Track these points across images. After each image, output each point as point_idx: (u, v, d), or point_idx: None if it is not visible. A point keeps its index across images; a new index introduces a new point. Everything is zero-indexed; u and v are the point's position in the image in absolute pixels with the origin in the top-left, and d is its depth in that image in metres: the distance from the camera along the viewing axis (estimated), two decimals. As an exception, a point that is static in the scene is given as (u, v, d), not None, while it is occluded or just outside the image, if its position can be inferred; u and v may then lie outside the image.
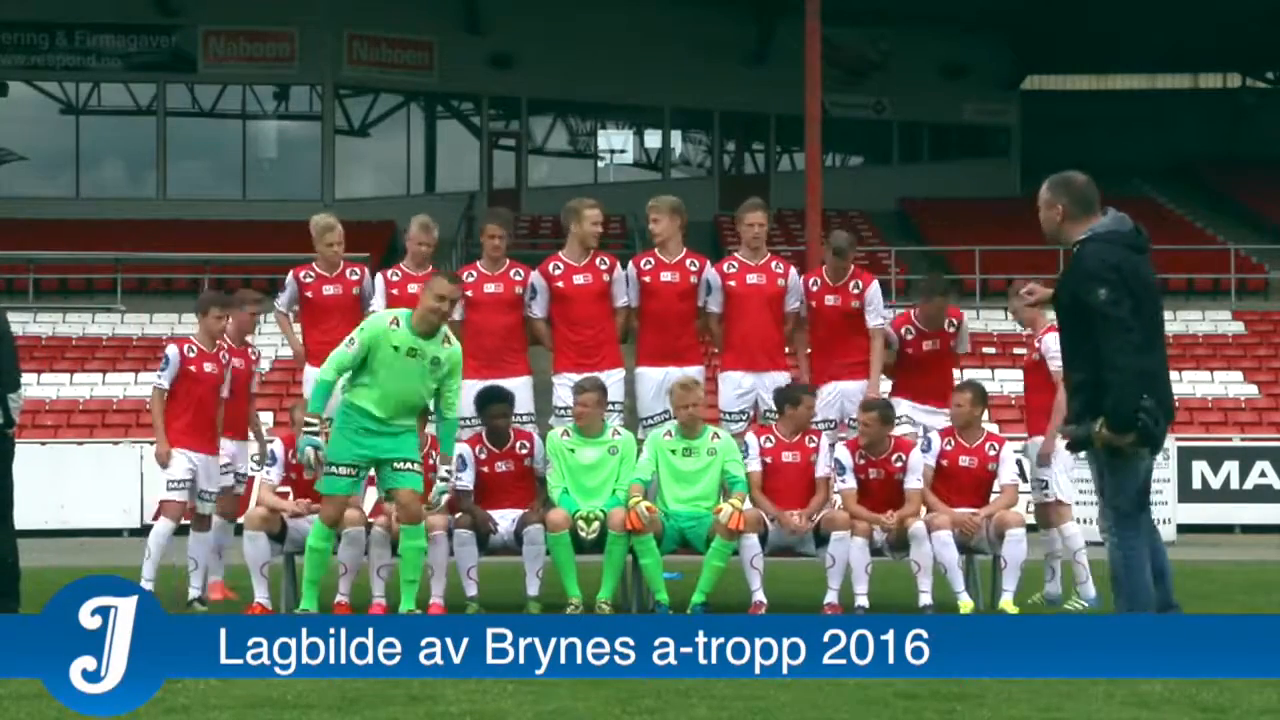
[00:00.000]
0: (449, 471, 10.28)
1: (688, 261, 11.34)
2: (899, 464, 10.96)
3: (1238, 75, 45.12)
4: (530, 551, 10.70)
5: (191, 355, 11.59)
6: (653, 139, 40.05)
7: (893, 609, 10.60)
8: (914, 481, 10.94)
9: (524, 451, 10.96)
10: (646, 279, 11.30)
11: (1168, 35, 39.09)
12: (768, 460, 10.95)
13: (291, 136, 37.88)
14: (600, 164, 39.65)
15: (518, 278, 11.33)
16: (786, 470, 10.94)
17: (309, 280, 11.66)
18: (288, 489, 11.14)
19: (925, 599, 10.65)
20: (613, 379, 11.25)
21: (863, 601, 10.66)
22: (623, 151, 40.03)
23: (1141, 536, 7.84)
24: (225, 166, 36.97)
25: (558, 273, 11.33)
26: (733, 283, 11.35)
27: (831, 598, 10.67)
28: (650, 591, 10.72)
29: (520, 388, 11.20)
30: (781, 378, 11.37)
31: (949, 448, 11.16)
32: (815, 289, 11.52)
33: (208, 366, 11.61)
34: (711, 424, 11.11)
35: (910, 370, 11.72)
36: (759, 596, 10.47)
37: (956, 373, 12.28)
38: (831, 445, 11.07)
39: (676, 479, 10.79)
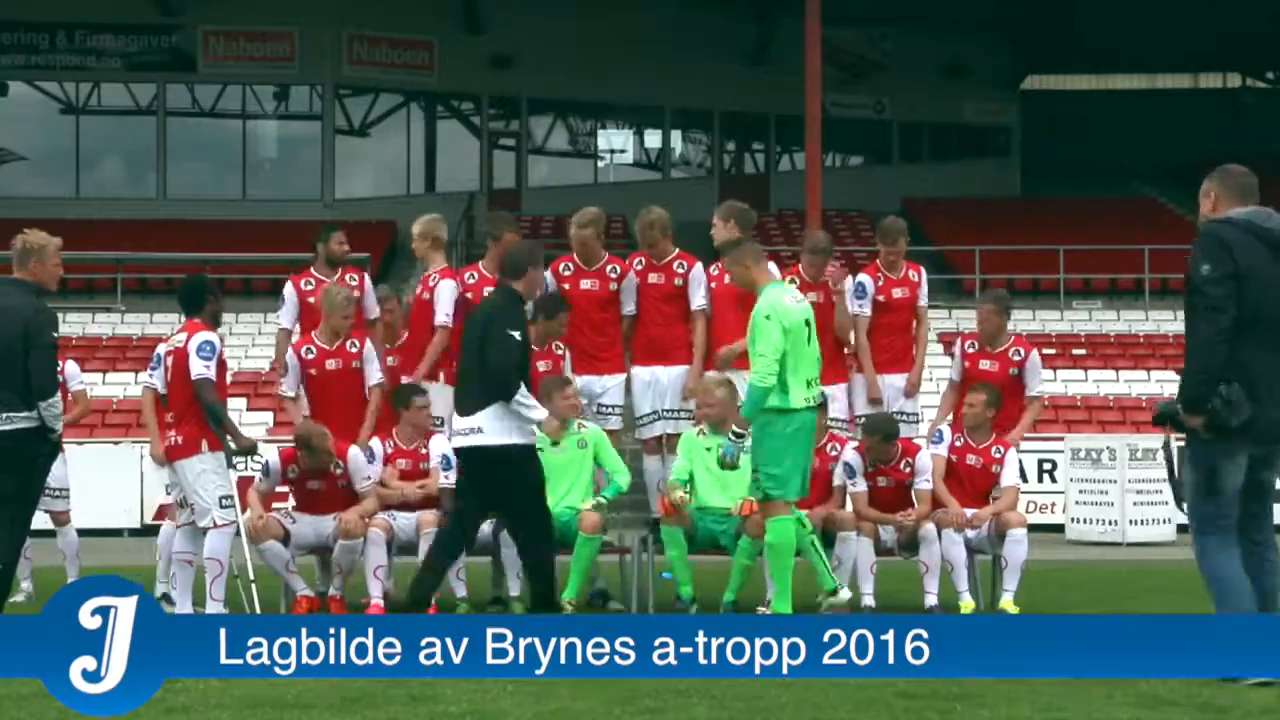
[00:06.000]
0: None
1: (675, 264, 11.35)
2: (907, 470, 10.99)
3: (1238, 75, 45.07)
4: (509, 554, 10.66)
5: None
6: (653, 139, 39.99)
7: (900, 609, 10.60)
8: (923, 483, 10.96)
9: None
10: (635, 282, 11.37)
11: (1168, 35, 39.03)
12: None
13: (291, 136, 37.81)
14: (600, 164, 39.59)
15: None
16: None
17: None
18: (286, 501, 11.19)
19: (931, 600, 10.67)
20: (613, 383, 11.37)
21: (869, 601, 10.67)
22: (623, 151, 39.97)
23: (1224, 546, 7.51)
24: (225, 166, 36.89)
25: (567, 274, 11.40)
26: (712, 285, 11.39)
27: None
28: (677, 583, 10.73)
29: None
30: None
31: (958, 444, 11.17)
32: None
33: None
34: None
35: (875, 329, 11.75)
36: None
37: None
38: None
39: (713, 478, 10.68)
